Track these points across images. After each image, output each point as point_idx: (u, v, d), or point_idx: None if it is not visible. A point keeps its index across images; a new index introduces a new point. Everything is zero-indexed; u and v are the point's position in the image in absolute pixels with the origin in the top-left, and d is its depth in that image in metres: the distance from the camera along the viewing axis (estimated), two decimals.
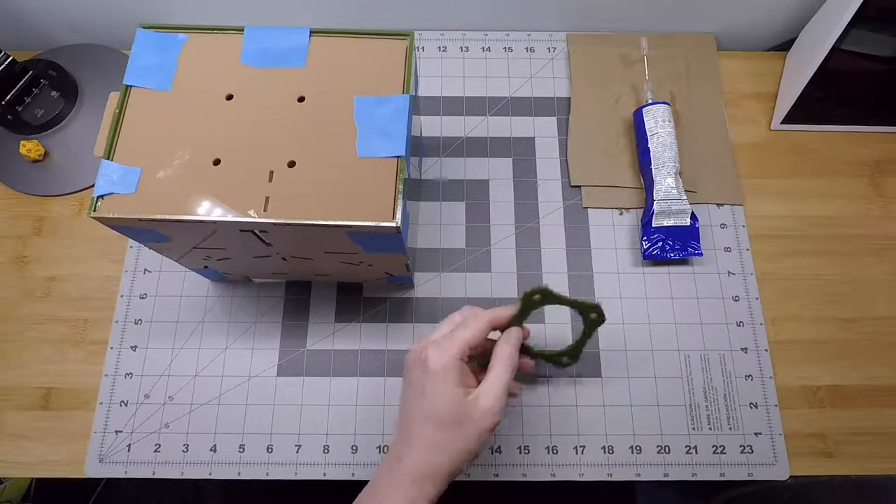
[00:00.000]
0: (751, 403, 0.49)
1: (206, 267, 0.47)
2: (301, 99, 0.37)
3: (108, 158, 0.36)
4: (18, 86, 0.55)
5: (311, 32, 0.38)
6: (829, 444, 0.49)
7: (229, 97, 0.37)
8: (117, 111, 0.37)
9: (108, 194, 0.35)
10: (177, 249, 0.42)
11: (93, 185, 0.56)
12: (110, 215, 0.34)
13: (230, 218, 0.34)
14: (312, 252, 0.41)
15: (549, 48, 0.62)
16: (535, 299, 0.39)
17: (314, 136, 0.36)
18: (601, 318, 0.41)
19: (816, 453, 0.49)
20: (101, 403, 0.49)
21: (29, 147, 0.55)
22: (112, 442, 0.48)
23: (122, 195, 0.35)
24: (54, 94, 0.57)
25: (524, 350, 0.42)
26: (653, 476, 0.47)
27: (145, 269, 0.53)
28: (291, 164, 0.36)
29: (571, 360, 0.44)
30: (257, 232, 0.36)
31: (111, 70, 0.60)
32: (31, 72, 0.56)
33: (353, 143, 0.36)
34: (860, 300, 0.53)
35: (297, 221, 0.34)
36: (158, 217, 0.34)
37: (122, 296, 0.52)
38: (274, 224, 0.34)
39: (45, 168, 0.56)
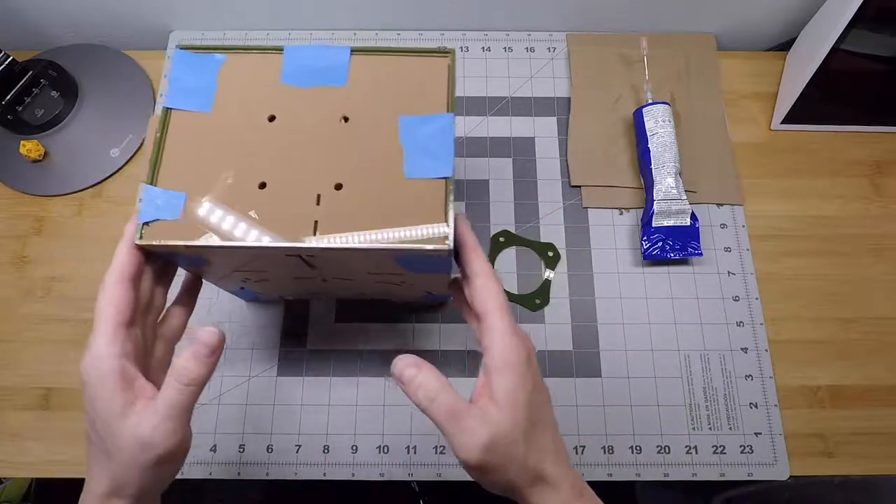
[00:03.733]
0: (751, 403, 0.49)
1: (241, 288, 0.46)
2: (345, 119, 0.36)
3: (151, 184, 0.34)
4: (18, 86, 0.55)
5: (351, 51, 0.37)
6: (829, 444, 0.49)
7: (271, 118, 0.36)
8: (159, 135, 0.35)
9: (154, 221, 0.34)
10: (216, 273, 0.41)
11: (93, 185, 0.56)
12: (157, 242, 0.33)
13: (279, 244, 0.33)
14: (356, 273, 0.40)
15: (549, 48, 0.62)
16: (500, 241, 0.51)
17: (360, 157, 0.35)
18: (557, 256, 0.49)
19: (816, 453, 0.49)
20: None
21: (29, 147, 0.55)
22: None
23: (166, 221, 0.34)
24: (54, 94, 0.57)
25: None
26: (653, 476, 0.47)
27: None
28: (338, 187, 0.34)
29: (542, 301, 0.51)
30: (304, 256, 0.35)
31: (111, 70, 0.60)
32: (31, 72, 0.56)
33: (399, 164, 0.35)
34: (860, 300, 0.53)
35: (349, 246, 0.33)
36: (205, 244, 0.33)
37: None
38: (324, 249, 0.33)
39: (45, 168, 0.56)
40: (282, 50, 0.37)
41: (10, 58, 0.54)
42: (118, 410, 0.29)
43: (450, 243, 0.33)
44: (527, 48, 0.62)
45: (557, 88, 0.60)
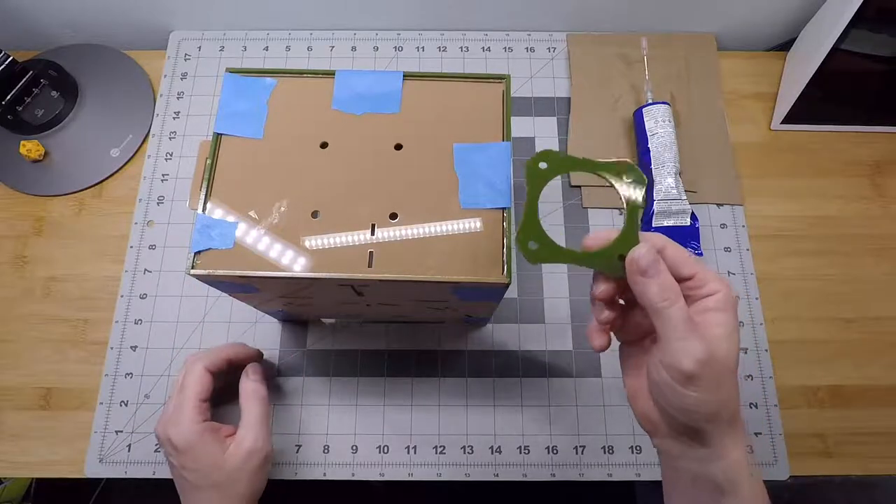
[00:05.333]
0: (751, 403, 0.49)
1: (280, 310, 0.46)
2: (398, 146, 0.35)
3: (203, 212, 0.33)
4: (18, 86, 0.55)
5: (404, 76, 0.37)
6: (829, 444, 0.49)
7: (324, 145, 0.35)
8: (209, 161, 0.35)
9: (206, 250, 0.33)
10: (263, 299, 0.40)
11: (93, 185, 0.56)
12: (211, 272, 0.32)
13: (336, 275, 0.32)
14: (402, 299, 0.40)
15: (549, 48, 0.62)
16: (540, 169, 0.30)
17: (415, 186, 0.34)
18: (641, 178, 0.30)
19: (816, 453, 0.49)
20: (101, 403, 0.49)
21: (29, 147, 0.55)
22: (112, 442, 0.48)
23: (219, 250, 0.33)
24: (54, 94, 0.57)
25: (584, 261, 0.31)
26: (652, 476, 0.47)
27: (145, 270, 0.53)
28: (393, 217, 0.34)
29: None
30: (356, 286, 0.34)
31: (111, 70, 0.60)
32: (31, 72, 0.56)
33: (454, 193, 0.34)
34: (860, 300, 0.53)
35: (406, 278, 0.32)
36: (262, 274, 0.32)
37: (122, 296, 0.52)
38: (380, 280, 0.32)
39: (45, 168, 0.56)
40: (332, 74, 0.37)
41: (10, 58, 0.54)
42: (219, 449, 0.40)
43: (509, 277, 0.32)
44: (527, 48, 0.62)
45: (557, 88, 0.60)
